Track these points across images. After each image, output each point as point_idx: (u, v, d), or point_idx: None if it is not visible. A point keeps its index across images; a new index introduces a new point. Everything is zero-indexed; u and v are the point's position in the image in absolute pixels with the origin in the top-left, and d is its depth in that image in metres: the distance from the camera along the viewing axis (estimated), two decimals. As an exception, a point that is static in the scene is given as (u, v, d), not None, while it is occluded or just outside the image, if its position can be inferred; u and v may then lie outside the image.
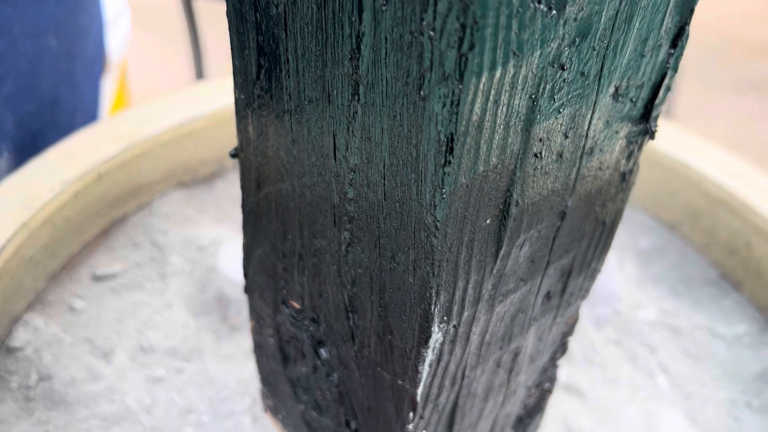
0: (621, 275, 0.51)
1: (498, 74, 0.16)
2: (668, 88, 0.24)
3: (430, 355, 0.22)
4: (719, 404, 0.45)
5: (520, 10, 0.16)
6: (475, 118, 0.17)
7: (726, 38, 1.76)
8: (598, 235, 0.27)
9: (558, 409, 0.43)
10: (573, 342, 0.47)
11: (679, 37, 0.22)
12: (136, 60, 1.33)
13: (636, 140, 0.24)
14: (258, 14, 0.21)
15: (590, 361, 0.46)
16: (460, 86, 0.16)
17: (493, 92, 0.17)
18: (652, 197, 0.53)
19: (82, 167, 0.44)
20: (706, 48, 1.75)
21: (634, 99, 0.22)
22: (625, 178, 0.26)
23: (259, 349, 0.34)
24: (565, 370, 0.45)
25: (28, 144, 0.46)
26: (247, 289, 0.31)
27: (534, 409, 0.36)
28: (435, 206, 0.18)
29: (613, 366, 0.46)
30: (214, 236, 0.52)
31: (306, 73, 0.20)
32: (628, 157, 0.25)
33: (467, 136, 0.17)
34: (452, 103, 0.16)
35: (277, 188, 0.25)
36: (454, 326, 0.23)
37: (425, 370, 0.23)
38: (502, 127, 0.18)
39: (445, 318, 0.22)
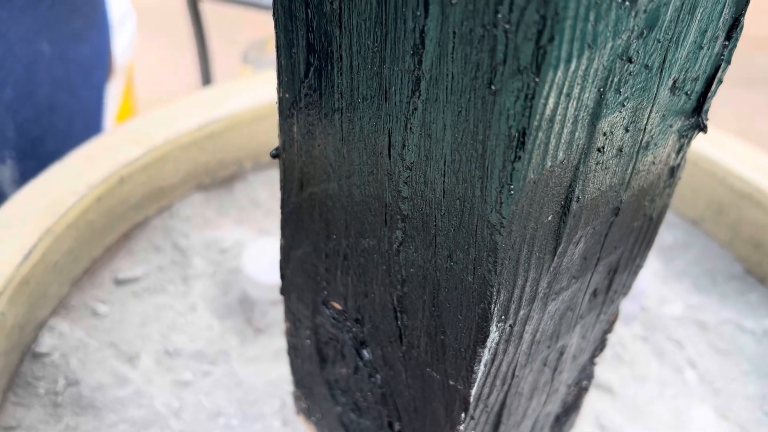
0: (646, 271, 0.51)
1: (573, 67, 0.16)
2: (720, 81, 0.23)
3: (486, 355, 0.22)
4: (749, 399, 0.45)
5: (598, 0, 0.15)
6: (548, 112, 0.17)
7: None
8: (645, 231, 0.27)
9: (590, 407, 0.43)
10: (601, 339, 0.47)
11: (734, 28, 0.22)
12: (142, 63, 1.33)
13: (687, 134, 0.24)
14: (309, 11, 0.20)
15: (619, 358, 0.46)
16: (537, 79, 0.16)
17: (566, 85, 0.16)
18: (675, 193, 0.53)
19: (105, 171, 0.44)
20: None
21: (689, 92, 0.22)
22: (673, 173, 0.26)
23: (293, 351, 0.34)
24: (596, 368, 0.45)
25: (29, 151, 0.46)
26: (284, 291, 0.31)
27: (571, 408, 0.36)
28: (501, 203, 0.18)
29: (641, 363, 0.46)
30: (235, 238, 0.51)
31: (361, 70, 0.20)
32: (678, 151, 0.25)
33: (539, 130, 0.17)
34: (526, 96, 0.16)
35: (323, 188, 0.25)
36: (510, 325, 0.22)
37: (480, 370, 0.23)
38: (571, 121, 0.18)
39: (503, 317, 0.21)
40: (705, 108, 0.24)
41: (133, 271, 0.49)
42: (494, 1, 0.15)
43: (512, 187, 0.18)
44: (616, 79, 0.18)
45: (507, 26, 0.15)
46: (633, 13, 0.17)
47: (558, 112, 0.17)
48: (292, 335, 0.33)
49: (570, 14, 0.15)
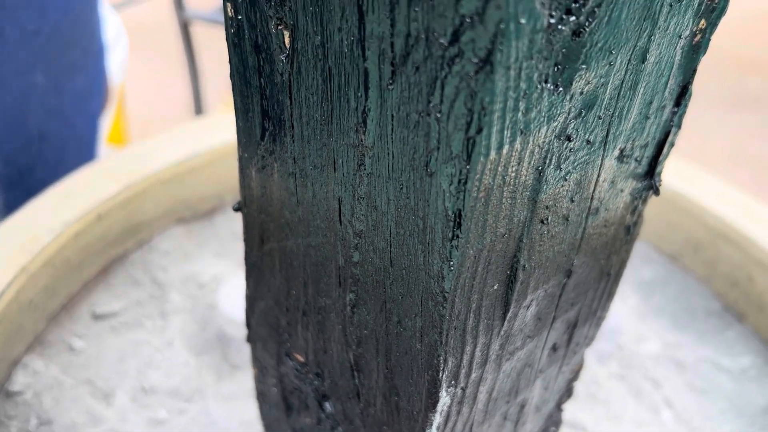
0: (623, 307, 0.51)
1: (505, 152, 0.16)
2: (672, 144, 0.24)
3: (437, 419, 0.22)
4: (725, 439, 0.45)
5: (527, 92, 0.15)
6: (482, 194, 0.17)
7: (722, 54, 1.77)
8: (603, 286, 0.27)
9: (563, 447, 0.43)
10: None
11: (682, 96, 0.22)
12: (133, 84, 1.33)
13: (640, 195, 0.24)
14: (262, 79, 0.21)
15: (594, 397, 0.46)
16: (468, 166, 0.16)
17: (500, 169, 0.17)
18: (653, 229, 0.53)
19: (82, 208, 0.44)
20: (702, 64, 1.75)
21: (638, 158, 0.22)
22: (629, 231, 0.26)
23: (262, 396, 0.34)
24: (568, 407, 0.45)
25: (16, 180, 0.46)
26: (250, 339, 0.31)
27: (539, 453, 0.36)
28: (443, 277, 0.18)
29: (617, 401, 0.46)
30: (214, 272, 0.51)
31: (311, 140, 0.20)
32: (633, 212, 0.25)
33: (474, 211, 0.17)
34: (459, 181, 0.16)
35: (281, 245, 0.25)
36: (462, 388, 0.22)
37: (432, 432, 0.23)
38: (509, 199, 0.18)
39: (452, 382, 0.22)
40: (657, 171, 0.24)
41: (111, 305, 0.49)
42: (426, 91, 0.16)
43: (452, 263, 0.18)
44: (554, 157, 0.18)
45: (438, 115, 0.16)
46: (568, 97, 0.17)
47: (493, 193, 0.17)
48: (259, 382, 0.33)
49: (497, 107, 0.15)
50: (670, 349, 0.49)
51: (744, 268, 0.48)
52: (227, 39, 0.21)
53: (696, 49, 0.21)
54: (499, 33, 0.14)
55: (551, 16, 0.15)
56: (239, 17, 0.20)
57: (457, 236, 0.17)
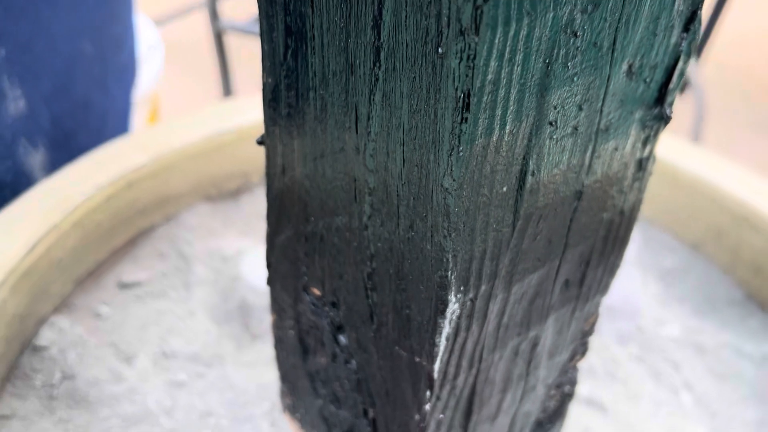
0: (645, 293, 0.51)
1: (512, 31, 0.17)
2: (682, 73, 0.24)
3: (446, 327, 0.23)
4: (747, 424, 0.44)
5: (533, -33, 0.16)
6: (490, 75, 0.18)
7: (752, 80, 1.76)
8: (617, 225, 0.28)
9: (579, 422, 0.43)
10: (595, 357, 0.47)
11: (691, 21, 0.23)
12: (168, 94, 1.37)
13: (651, 125, 0.25)
14: (286, -6, 0.22)
15: (613, 376, 0.46)
16: (476, 39, 0.17)
17: (508, 50, 0.17)
18: (674, 217, 0.53)
19: (113, 174, 0.45)
20: (732, 89, 1.75)
21: (648, 80, 0.23)
22: (641, 166, 0.26)
23: (279, 344, 0.34)
24: (587, 385, 0.45)
25: (61, 142, 0.48)
26: (270, 281, 0.32)
27: (554, 414, 0.36)
28: (452, 165, 0.19)
29: (636, 382, 0.46)
30: (238, 247, 0.52)
31: (330, 46, 0.21)
32: (644, 143, 0.25)
33: (483, 93, 0.18)
34: (468, 57, 0.17)
35: (300, 171, 0.26)
36: (471, 299, 0.23)
37: (442, 343, 0.23)
38: (517, 88, 0.19)
39: (462, 288, 0.22)
40: (668, 100, 0.25)
41: (137, 275, 0.50)
42: (438, -33, 0.16)
43: (461, 149, 0.19)
44: (562, 52, 0.19)
45: (449, -11, 0.17)
46: (574, -14, 0.18)
47: (502, 77, 0.18)
48: (277, 327, 0.34)
49: (504, -25, 0.16)
50: (691, 334, 0.49)
51: (767, 253, 0.47)
52: (255, -42, 0.22)
53: (705, -27, 0.22)
54: None
55: None
56: (266, -69, 0.21)
57: (466, 119, 0.18)
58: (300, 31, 0.22)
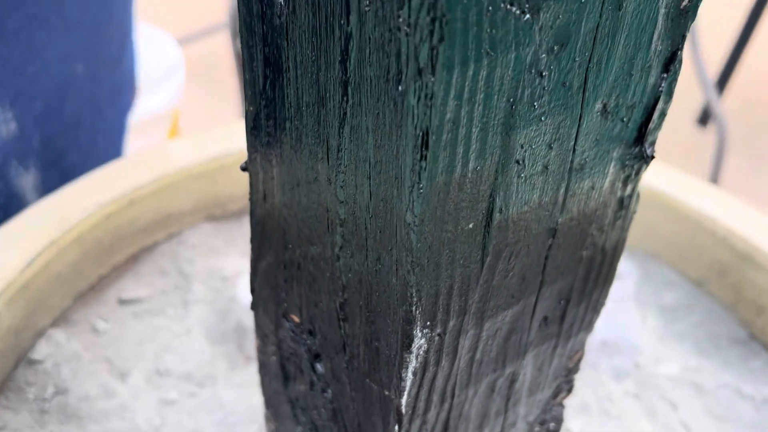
0: (644, 329, 0.50)
1: (471, 71, 0.17)
2: (663, 114, 0.24)
3: (413, 362, 0.23)
4: (744, 468, 0.43)
5: (490, 9, 0.16)
6: (449, 114, 0.18)
7: (776, 113, 1.74)
8: (599, 263, 0.27)
9: (570, 459, 0.42)
10: (589, 393, 0.46)
11: (671, 61, 0.23)
12: (189, 111, 1.39)
13: (632, 164, 0.25)
14: (264, 26, 0.22)
15: (607, 413, 0.45)
16: (433, 79, 0.17)
17: (467, 89, 0.18)
18: (678, 252, 0.52)
19: (115, 192, 0.46)
20: (754, 122, 1.73)
21: (625, 119, 0.23)
22: (623, 204, 0.26)
23: (263, 368, 0.34)
24: (580, 421, 0.44)
25: (52, 161, 0.49)
26: (253, 305, 0.32)
27: (539, 451, 0.35)
28: (413, 202, 0.19)
29: (630, 420, 0.45)
30: (238, 268, 0.53)
31: (304, 78, 0.22)
32: (625, 182, 0.25)
33: (442, 131, 0.18)
34: (426, 96, 0.17)
35: (279, 198, 0.26)
36: (439, 335, 0.23)
37: (409, 378, 0.23)
38: (479, 127, 0.19)
39: (428, 323, 0.22)
40: (649, 139, 0.24)
41: (137, 292, 0.50)
42: (397, 6, 0.17)
43: (421, 186, 0.19)
44: (527, 92, 0.19)
45: (407, 29, 0.17)
46: (537, 28, 0.18)
47: (462, 116, 0.18)
48: (261, 352, 0.34)
49: (459, 17, 0.16)
50: (690, 373, 0.48)
51: (770, 293, 0.47)
52: (237, -10, 0.23)
53: (684, 14, 0.22)
54: (456, -61, 0.15)
55: (512, -65, 0.16)
56: (246, -35, 0.22)
57: (424, 156, 0.18)
58: (277, 62, 0.23)
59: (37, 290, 0.42)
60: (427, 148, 0.18)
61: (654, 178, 0.53)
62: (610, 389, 0.46)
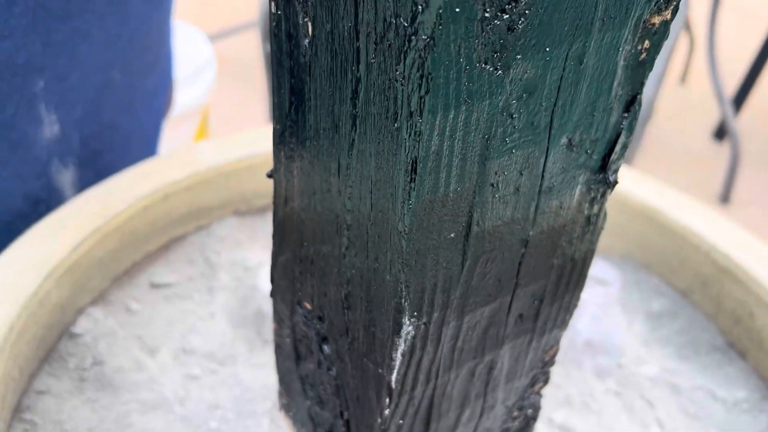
0: (629, 333, 0.54)
1: (451, 114, 0.22)
2: (625, 146, 0.28)
3: (402, 345, 0.27)
4: (711, 463, 0.47)
5: (467, 67, 0.21)
6: (434, 147, 0.22)
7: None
8: (569, 270, 0.32)
9: (551, 446, 0.46)
10: (573, 388, 0.50)
11: (632, 103, 0.27)
12: (219, 107, 1.44)
13: (597, 188, 0.29)
14: (291, 61, 0.27)
15: (588, 407, 0.49)
16: (421, 120, 0.21)
17: (448, 128, 0.22)
18: (666, 263, 0.56)
19: (151, 187, 0.51)
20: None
21: (589, 151, 0.27)
22: (590, 221, 0.30)
23: (278, 349, 0.39)
24: (562, 413, 0.48)
25: (89, 161, 0.54)
26: (272, 293, 0.37)
27: (518, 434, 0.39)
28: (404, 215, 0.24)
29: (609, 415, 0.49)
30: (260, 260, 0.58)
31: (321, 108, 0.26)
32: (591, 203, 0.30)
33: (428, 160, 0.22)
34: (415, 133, 0.22)
35: (298, 203, 0.31)
36: (425, 323, 0.27)
37: (398, 358, 0.28)
38: (459, 157, 0.23)
39: (415, 314, 0.27)
40: (612, 168, 0.29)
41: (168, 277, 0.55)
42: (395, 62, 0.21)
43: (411, 202, 0.23)
44: (500, 130, 0.23)
45: (402, 81, 0.21)
46: (507, 80, 0.22)
47: (444, 149, 0.22)
48: (277, 334, 0.39)
49: (441, 74, 0.21)
50: (669, 375, 0.52)
51: (746, 305, 0.50)
52: (270, 30, 0.28)
53: (642, 65, 0.26)
54: (439, 17, 0.19)
55: (486, 11, 0.20)
56: (278, 12, 0.26)
57: (414, 179, 0.23)
58: (300, 91, 0.27)
59: (80, 272, 0.47)
60: (415, 172, 0.22)
61: (648, 193, 0.57)
62: (592, 386, 0.50)
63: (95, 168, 0.55)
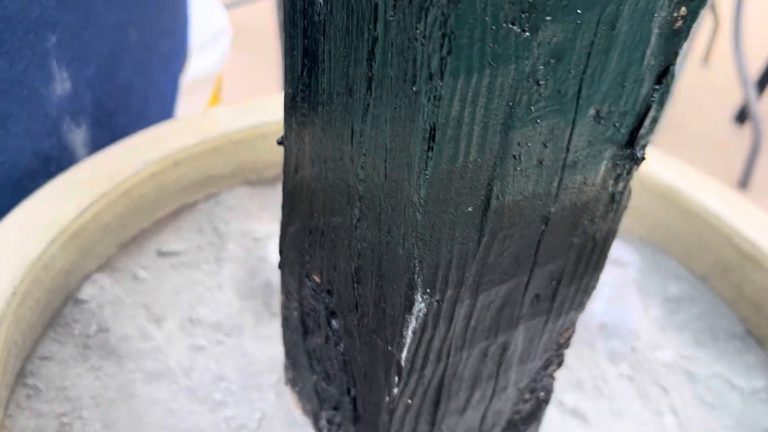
0: (645, 317, 0.53)
1: (474, 79, 0.20)
2: (655, 120, 0.27)
3: (413, 323, 0.26)
4: (725, 452, 0.46)
5: (493, 27, 0.19)
6: (454, 113, 0.21)
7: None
8: (589, 251, 0.30)
9: (562, 429, 0.45)
10: (585, 371, 0.49)
11: (664, 75, 0.26)
12: (233, 75, 1.42)
13: (623, 164, 0.28)
14: (305, 21, 0.26)
15: (600, 391, 0.48)
16: (441, 83, 0.20)
17: (470, 94, 0.21)
18: (686, 248, 0.55)
19: (161, 152, 0.50)
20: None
21: (617, 125, 0.26)
22: (614, 199, 0.29)
23: (285, 322, 0.38)
24: (573, 396, 0.47)
25: (103, 121, 0.53)
26: (281, 265, 0.36)
27: (529, 417, 0.38)
28: (420, 186, 0.22)
29: (622, 400, 0.48)
30: (269, 231, 0.57)
31: (335, 71, 0.25)
32: (617, 179, 0.28)
33: (447, 127, 0.21)
34: (435, 98, 0.20)
35: (309, 172, 0.29)
36: (437, 301, 0.26)
37: (409, 336, 0.26)
38: (480, 125, 0.22)
39: (428, 290, 0.25)
40: (640, 143, 0.27)
41: (176, 246, 0.55)
42: (415, 20, 0.20)
43: (427, 172, 0.22)
44: (525, 98, 0.22)
45: (423, 40, 0.20)
46: (535, 44, 0.21)
47: (465, 115, 0.21)
48: (284, 307, 0.38)
49: (465, 34, 0.19)
50: (685, 361, 0.51)
51: (767, 291, 0.49)
52: (283, -13, 0.26)
53: (677, 34, 0.25)
54: (465, -30, 0.18)
55: (515, -33, 0.19)
56: (293, -32, 0.25)
57: (431, 148, 0.21)
58: (314, 53, 0.26)
59: (86, 238, 0.46)
60: (434, 140, 0.21)
61: (670, 174, 0.55)
62: (605, 369, 0.49)
63: (109, 129, 0.54)
